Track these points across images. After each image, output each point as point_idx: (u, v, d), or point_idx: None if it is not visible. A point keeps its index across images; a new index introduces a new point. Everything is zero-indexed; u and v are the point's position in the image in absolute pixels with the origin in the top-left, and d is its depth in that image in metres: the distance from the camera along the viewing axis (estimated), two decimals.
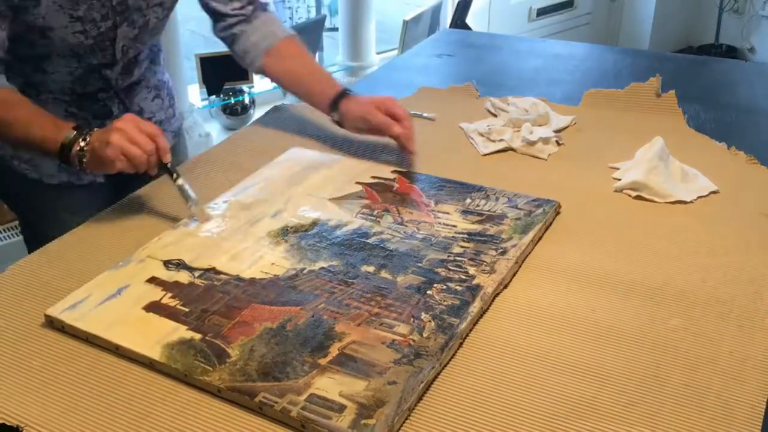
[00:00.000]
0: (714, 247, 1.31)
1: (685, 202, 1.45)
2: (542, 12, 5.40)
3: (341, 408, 0.95)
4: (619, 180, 1.53)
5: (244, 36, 1.70)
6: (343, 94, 1.64)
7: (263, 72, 1.74)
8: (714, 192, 1.49)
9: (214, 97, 4.21)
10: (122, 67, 1.61)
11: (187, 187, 1.39)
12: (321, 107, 1.68)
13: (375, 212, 1.41)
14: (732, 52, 5.76)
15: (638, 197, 1.48)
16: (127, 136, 1.29)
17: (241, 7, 1.69)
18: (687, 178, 1.52)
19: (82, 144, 1.31)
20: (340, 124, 1.66)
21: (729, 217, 1.41)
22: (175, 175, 1.39)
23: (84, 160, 1.31)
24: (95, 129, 1.33)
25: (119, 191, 1.54)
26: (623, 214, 1.43)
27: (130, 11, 1.49)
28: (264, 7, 1.73)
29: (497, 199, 1.44)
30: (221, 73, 3.99)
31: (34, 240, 1.54)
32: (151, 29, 1.59)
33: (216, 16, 1.71)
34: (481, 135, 1.73)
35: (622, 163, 1.59)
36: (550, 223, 1.39)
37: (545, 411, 0.97)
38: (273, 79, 1.77)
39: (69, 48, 1.47)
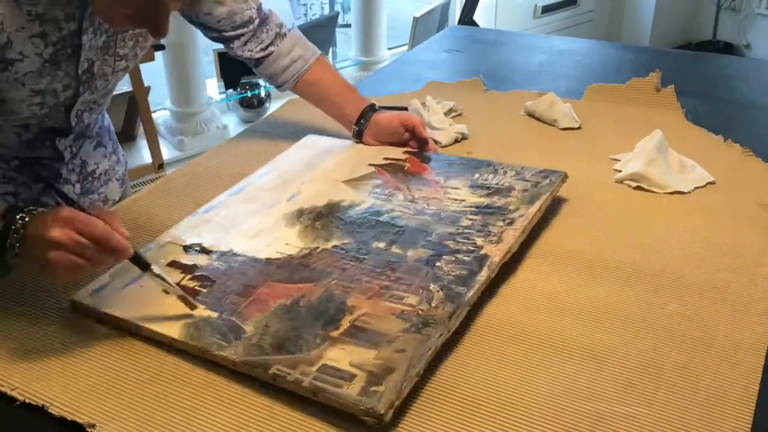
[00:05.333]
0: (710, 236, 1.31)
1: (683, 193, 1.45)
2: (547, 9, 5.38)
3: (351, 377, 0.94)
4: (620, 171, 1.52)
5: (271, 59, 1.62)
6: (372, 107, 1.63)
7: (292, 91, 1.68)
8: (711, 183, 1.49)
9: (231, 90, 4.22)
10: (75, 135, 1.40)
11: (163, 275, 1.10)
12: (348, 120, 1.65)
13: (387, 191, 1.41)
14: (729, 49, 5.74)
15: (638, 188, 1.47)
16: (69, 249, 1.01)
17: (253, 34, 1.59)
18: (685, 170, 1.51)
19: (14, 250, 1.04)
20: (359, 135, 1.63)
21: (725, 207, 1.40)
22: (147, 266, 1.09)
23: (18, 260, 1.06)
24: (28, 219, 1.04)
25: None
26: (624, 204, 1.43)
27: (94, 78, 1.30)
28: (281, 27, 1.63)
29: (505, 172, 1.44)
30: (238, 68, 3.98)
31: None
32: (109, 91, 1.40)
33: (226, 41, 1.60)
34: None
35: (623, 154, 1.59)
36: (557, 198, 1.39)
37: (546, 391, 0.97)
38: (299, 95, 1.70)
39: (19, 119, 1.27)
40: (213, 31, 1.56)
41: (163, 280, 1.09)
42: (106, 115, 1.59)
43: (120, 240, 1.03)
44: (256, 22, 1.58)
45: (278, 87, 1.67)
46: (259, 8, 1.58)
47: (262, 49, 1.60)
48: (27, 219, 1.04)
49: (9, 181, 1.38)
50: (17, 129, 1.31)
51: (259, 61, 1.62)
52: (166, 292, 1.11)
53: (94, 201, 1.50)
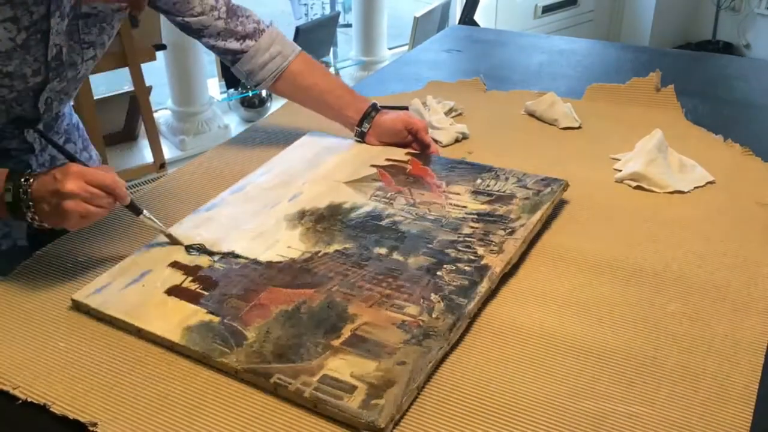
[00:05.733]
0: (710, 235, 1.31)
1: (683, 192, 1.45)
2: (547, 9, 5.38)
3: (352, 389, 0.94)
4: (620, 171, 1.52)
5: (249, 56, 1.57)
6: (374, 108, 1.62)
7: (271, 91, 1.64)
8: (710, 182, 1.48)
9: (232, 90, 4.22)
10: (44, 126, 1.41)
11: (153, 218, 1.25)
12: (350, 123, 1.62)
13: (388, 194, 1.40)
14: (728, 49, 5.73)
15: (638, 187, 1.47)
16: (83, 199, 1.12)
17: (224, 25, 1.53)
18: (685, 169, 1.51)
19: (30, 209, 1.13)
20: (362, 136, 1.62)
21: (725, 206, 1.40)
22: (139, 212, 1.24)
23: (35, 219, 1.15)
24: (31, 180, 1.13)
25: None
26: (624, 204, 1.42)
27: (64, 66, 1.32)
28: (260, 23, 1.59)
29: (507, 179, 1.43)
30: None
31: None
32: (78, 81, 1.40)
33: (192, 32, 1.54)
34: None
35: (623, 154, 1.59)
36: (558, 201, 1.38)
37: (548, 390, 0.97)
38: (284, 96, 1.67)
39: None
40: (176, 15, 1.50)
41: (155, 222, 1.26)
42: (74, 113, 1.59)
43: (123, 187, 1.18)
44: (222, 10, 1.52)
45: (257, 86, 1.62)
46: None
47: (237, 40, 1.55)
48: (30, 180, 1.13)
49: None
50: None
51: (236, 56, 1.57)
52: (173, 240, 1.26)
53: None
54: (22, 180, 1.13)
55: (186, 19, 1.50)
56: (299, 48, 1.63)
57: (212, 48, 1.57)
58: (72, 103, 1.55)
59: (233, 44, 1.55)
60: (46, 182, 1.12)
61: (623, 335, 1.07)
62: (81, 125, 1.61)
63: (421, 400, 0.96)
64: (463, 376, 1.00)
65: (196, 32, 1.53)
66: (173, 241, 1.27)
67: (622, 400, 0.95)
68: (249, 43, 1.56)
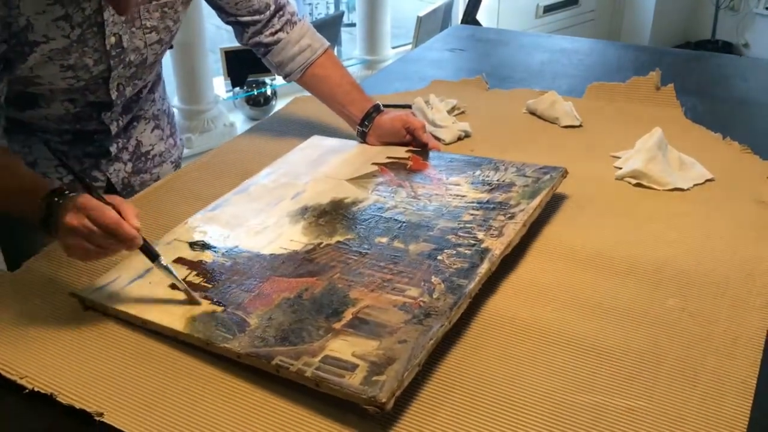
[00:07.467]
0: (709, 232, 1.31)
1: (682, 190, 1.45)
2: (548, 9, 5.37)
3: (354, 367, 0.94)
4: (621, 168, 1.52)
5: (279, 47, 1.60)
6: (376, 108, 1.62)
7: (298, 82, 1.66)
8: (710, 180, 1.48)
9: (238, 88, 4.22)
10: (122, 108, 1.46)
11: (170, 268, 1.11)
12: (353, 120, 1.63)
13: (390, 188, 1.40)
14: (727, 48, 5.73)
15: (638, 185, 1.47)
16: (82, 236, 1.05)
17: (268, 20, 1.59)
18: (684, 167, 1.51)
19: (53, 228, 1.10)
20: (363, 135, 1.62)
21: (723, 204, 1.40)
22: (155, 257, 1.11)
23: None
24: (61, 203, 1.08)
25: None
26: (624, 201, 1.42)
27: (126, 53, 1.34)
28: (293, 15, 1.62)
29: (506, 169, 1.43)
30: (245, 66, 3.99)
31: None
32: (149, 65, 1.43)
33: (240, 26, 1.59)
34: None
35: (623, 152, 1.59)
36: (558, 192, 1.38)
37: (548, 385, 0.97)
38: (306, 88, 1.68)
39: (60, 91, 1.33)
40: (229, 15, 1.56)
41: (170, 272, 1.11)
42: (167, 99, 1.66)
43: (129, 230, 1.06)
44: (272, 9, 1.57)
45: (286, 77, 1.65)
46: None
47: (272, 34, 1.59)
48: (60, 202, 1.08)
49: (59, 154, 1.44)
50: (65, 104, 1.36)
51: (268, 48, 1.61)
52: (173, 287, 1.13)
53: (145, 180, 1.59)
54: (55, 201, 1.09)
55: (240, 18, 1.56)
56: (328, 43, 1.66)
57: (246, 44, 1.62)
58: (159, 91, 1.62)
59: (267, 38, 1.59)
60: (61, 210, 1.07)
61: (622, 330, 1.07)
62: (172, 112, 1.70)
63: (423, 392, 0.96)
64: (464, 369, 1.00)
65: (239, 27, 1.59)
66: (190, 297, 1.11)
67: (621, 394, 0.95)
68: (280, 35, 1.59)
